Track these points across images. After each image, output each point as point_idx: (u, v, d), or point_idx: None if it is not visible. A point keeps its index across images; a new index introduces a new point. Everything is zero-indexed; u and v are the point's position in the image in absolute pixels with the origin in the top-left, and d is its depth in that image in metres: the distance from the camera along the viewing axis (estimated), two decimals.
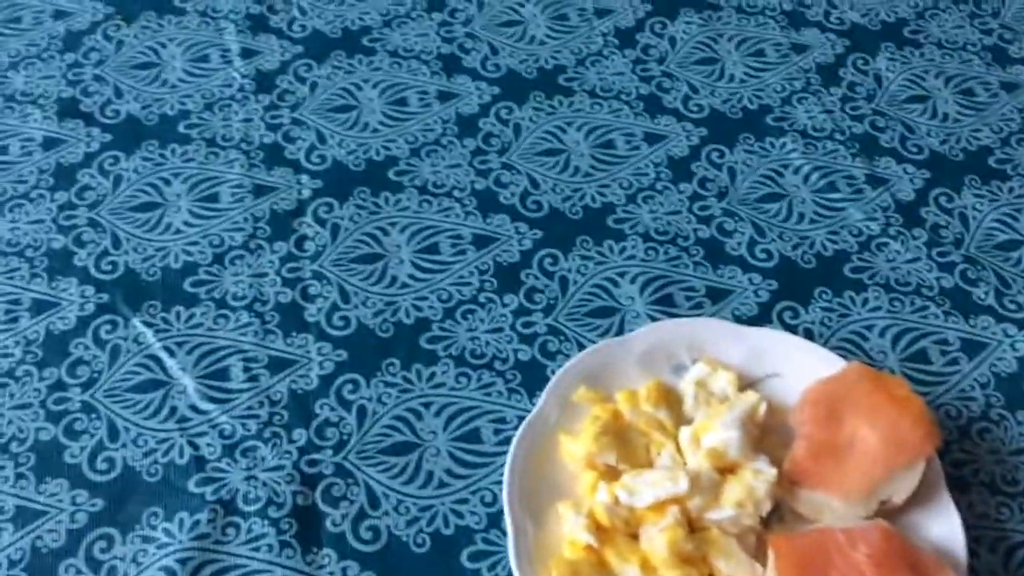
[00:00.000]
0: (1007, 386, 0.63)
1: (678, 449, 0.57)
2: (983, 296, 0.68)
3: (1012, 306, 0.67)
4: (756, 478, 0.54)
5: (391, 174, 0.74)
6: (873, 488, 0.54)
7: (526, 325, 0.66)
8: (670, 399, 0.59)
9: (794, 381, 0.59)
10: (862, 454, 0.55)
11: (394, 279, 0.68)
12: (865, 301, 0.67)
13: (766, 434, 0.58)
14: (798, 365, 0.60)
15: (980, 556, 0.56)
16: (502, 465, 0.58)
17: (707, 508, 0.54)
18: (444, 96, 0.79)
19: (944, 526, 0.54)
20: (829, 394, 0.57)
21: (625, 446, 0.57)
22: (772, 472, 0.55)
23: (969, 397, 0.63)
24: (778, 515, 0.56)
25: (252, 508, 0.57)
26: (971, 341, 0.65)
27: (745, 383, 0.60)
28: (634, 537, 0.54)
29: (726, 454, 0.55)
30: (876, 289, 0.68)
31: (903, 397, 0.56)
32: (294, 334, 0.64)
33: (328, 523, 0.56)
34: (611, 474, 0.56)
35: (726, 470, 0.55)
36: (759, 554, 0.54)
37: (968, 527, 0.55)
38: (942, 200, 0.73)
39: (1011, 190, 0.74)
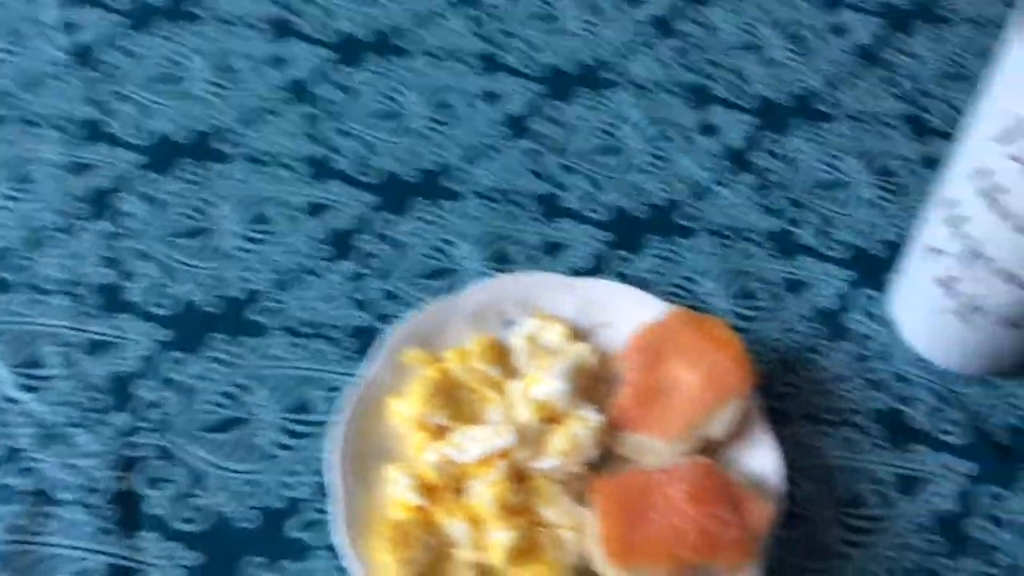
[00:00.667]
0: (828, 319, 0.65)
1: (508, 405, 0.57)
2: (806, 237, 0.69)
3: (833, 244, 0.69)
4: (581, 426, 0.55)
5: (218, 144, 0.72)
6: (692, 427, 0.55)
7: (361, 291, 0.65)
8: (501, 355, 0.59)
9: (625, 329, 0.60)
10: (682, 396, 0.56)
11: (221, 251, 0.66)
12: (695, 247, 0.68)
13: (598, 383, 0.59)
14: (629, 313, 0.61)
15: (802, 485, 0.58)
16: None
17: (532, 458, 0.54)
18: (276, 62, 0.77)
19: (764, 458, 0.56)
20: (653, 340, 0.58)
21: (455, 405, 0.56)
22: (597, 419, 0.55)
23: (793, 330, 0.65)
24: (609, 462, 0.57)
25: (69, 496, 0.55)
26: (794, 280, 0.67)
27: (577, 335, 0.61)
28: (457, 492, 0.54)
29: (553, 405, 0.56)
30: (704, 234, 0.69)
31: (723, 339, 0.58)
32: (114, 315, 0.62)
33: (149, 506, 0.55)
34: (441, 434, 0.56)
35: (554, 420, 0.56)
36: (589, 500, 0.55)
37: (789, 458, 0.57)
38: (770, 145, 0.75)
39: (835, 132, 0.76)
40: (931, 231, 0.59)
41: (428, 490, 0.53)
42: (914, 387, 0.62)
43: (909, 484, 0.58)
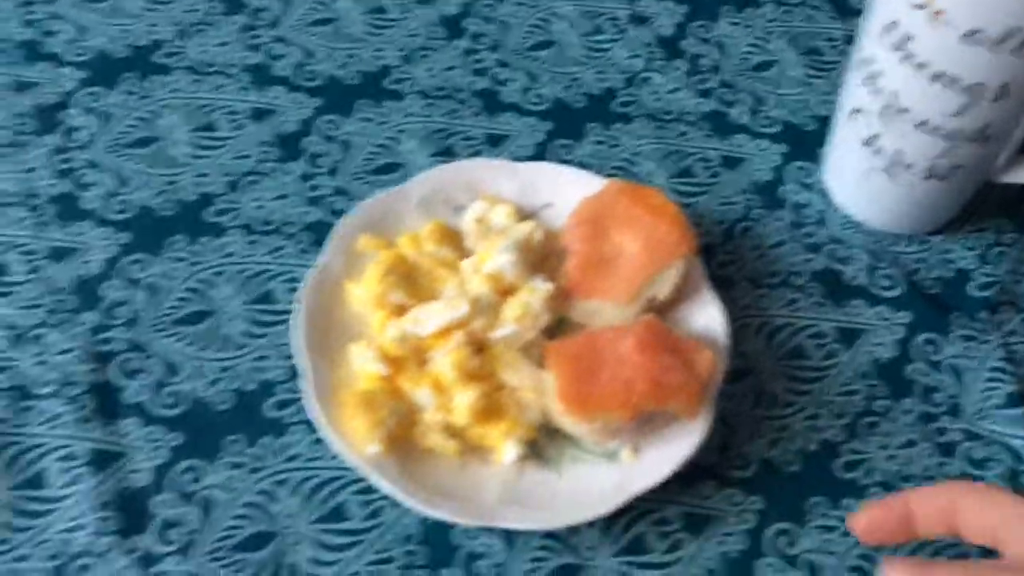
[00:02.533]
0: (764, 191, 0.69)
1: (462, 282, 0.60)
2: (739, 116, 0.72)
3: (765, 122, 0.72)
4: (532, 295, 0.58)
5: (158, 58, 0.72)
6: (638, 289, 0.58)
7: (312, 188, 0.66)
8: (452, 238, 0.62)
9: (567, 209, 0.63)
10: (626, 261, 0.59)
11: (172, 159, 0.67)
12: (633, 132, 0.71)
13: (546, 258, 0.62)
14: (570, 193, 0.64)
15: (746, 343, 0.61)
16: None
17: (489, 328, 0.57)
18: None
19: (707, 316, 0.60)
20: (594, 212, 0.61)
21: (411, 285, 0.59)
22: (547, 287, 0.58)
23: (731, 202, 0.68)
24: (563, 328, 0.60)
25: (46, 391, 0.57)
26: (729, 156, 0.70)
27: (522, 215, 0.63)
28: (419, 364, 0.56)
29: (503, 277, 0.58)
30: (642, 119, 0.72)
31: (659, 206, 0.61)
32: (72, 222, 0.63)
33: (126, 395, 0.57)
34: (400, 312, 0.58)
35: (506, 292, 0.59)
36: (545, 365, 0.58)
37: (733, 318, 0.60)
38: (700, 32, 0.77)
39: (763, 15, 0.78)
40: (852, 93, 0.62)
41: (392, 362, 0.56)
42: (849, 248, 0.66)
43: (848, 335, 0.62)
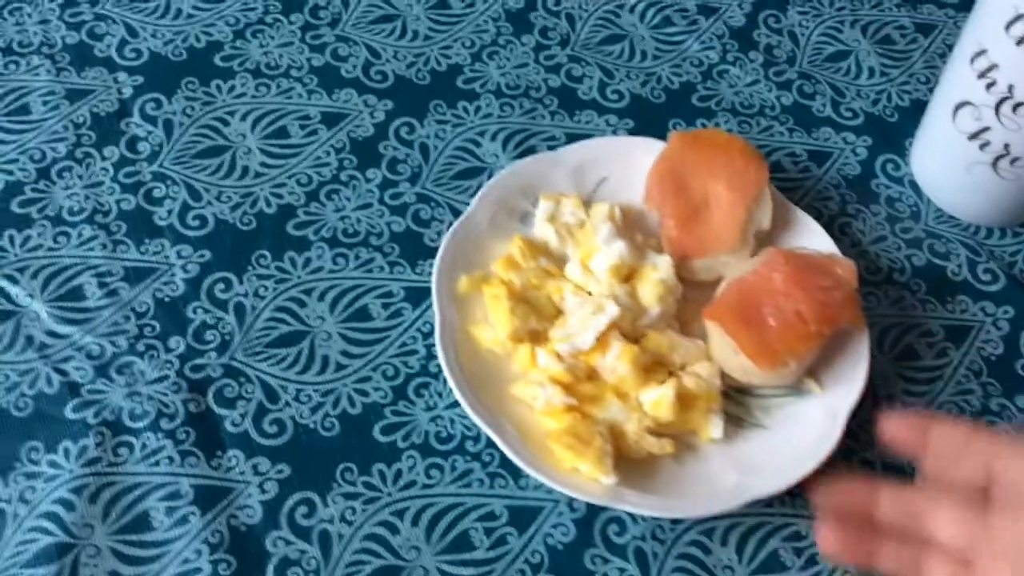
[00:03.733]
0: (855, 185, 0.67)
1: (576, 286, 0.57)
2: (821, 108, 0.70)
3: (848, 114, 0.70)
4: (659, 271, 0.56)
5: (217, 60, 0.68)
6: (743, 228, 0.58)
7: (394, 197, 0.63)
8: (538, 247, 0.59)
9: (621, 175, 0.62)
10: (719, 207, 0.59)
11: (245, 169, 0.64)
12: (717, 126, 0.69)
13: (632, 231, 0.60)
14: (618, 161, 0.62)
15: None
16: (397, 338, 0.57)
17: (638, 318, 0.55)
18: None
19: (808, 232, 0.60)
20: (667, 170, 0.60)
21: (535, 307, 0.56)
22: (666, 258, 0.57)
23: (826, 197, 0.66)
24: (690, 292, 0.58)
25: (141, 424, 0.53)
26: (816, 152, 0.68)
27: (584, 200, 0.61)
28: (590, 379, 0.54)
29: (624, 264, 0.56)
30: (724, 114, 0.69)
31: (725, 142, 0.61)
32: (147, 241, 0.60)
33: (228, 424, 0.54)
34: (539, 339, 0.55)
35: (627, 278, 0.57)
36: (686, 334, 0.57)
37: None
38: (771, 21, 0.75)
39: (832, 3, 0.76)
40: (960, 86, 0.60)
41: (567, 388, 0.53)
42: (947, 243, 0.64)
43: (957, 333, 0.61)
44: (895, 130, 0.69)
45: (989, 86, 0.58)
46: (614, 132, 0.68)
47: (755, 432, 0.55)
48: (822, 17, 0.76)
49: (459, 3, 0.73)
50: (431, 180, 0.64)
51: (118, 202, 0.61)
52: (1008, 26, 0.55)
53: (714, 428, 0.54)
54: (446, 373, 0.53)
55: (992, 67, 0.57)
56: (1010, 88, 0.57)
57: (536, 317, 0.55)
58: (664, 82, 0.71)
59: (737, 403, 0.56)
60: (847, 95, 0.71)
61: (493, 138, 0.66)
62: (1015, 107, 0.57)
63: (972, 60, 0.59)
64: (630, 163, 0.62)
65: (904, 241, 0.64)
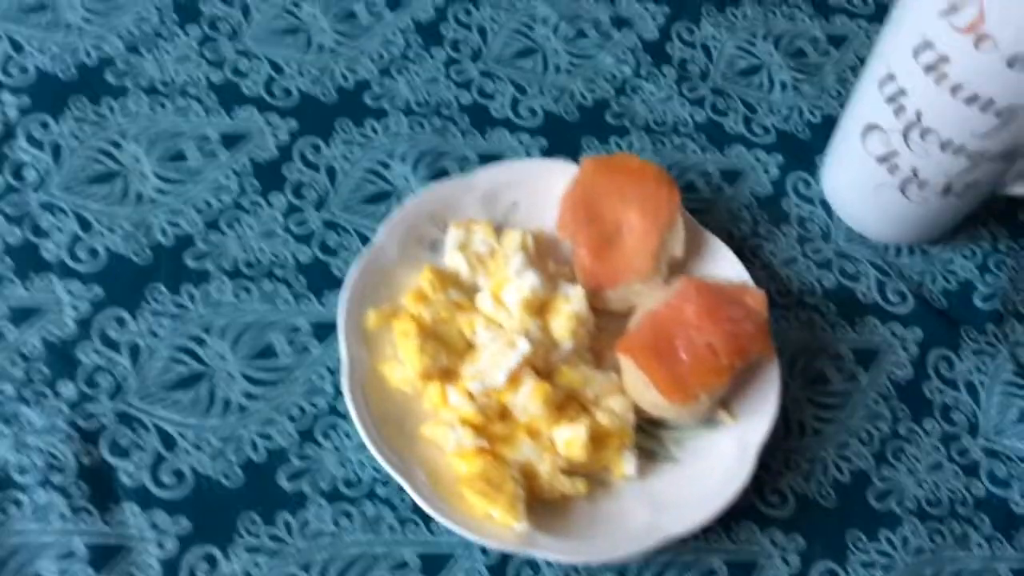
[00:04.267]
0: (767, 205, 0.67)
1: (487, 319, 0.56)
2: (733, 125, 0.70)
3: (759, 130, 0.70)
4: (570, 303, 0.56)
5: (109, 77, 0.65)
6: (656, 256, 0.58)
7: (299, 224, 0.61)
8: (448, 277, 0.57)
9: (533, 200, 0.61)
10: (632, 235, 0.59)
11: (140, 196, 0.60)
12: (630, 145, 0.68)
13: (545, 259, 0.59)
14: (530, 185, 0.61)
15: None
16: (302, 376, 0.55)
17: (550, 352, 0.55)
18: None
19: (721, 259, 0.60)
20: (579, 197, 0.59)
21: (445, 343, 0.55)
22: (579, 289, 0.56)
23: (739, 218, 0.66)
24: (601, 321, 0.58)
25: (31, 479, 0.50)
26: (729, 171, 0.68)
27: (495, 226, 0.60)
28: (502, 418, 0.53)
29: (536, 297, 0.55)
30: (638, 132, 0.69)
31: (638, 167, 0.60)
32: (33, 276, 0.56)
33: (122, 476, 0.51)
34: (449, 376, 0.54)
35: (540, 310, 0.56)
36: (599, 365, 0.56)
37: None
38: (684, 34, 0.74)
39: (745, 16, 0.76)
40: (868, 109, 0.60)
41: (477, 429, 0.52)
42: (856, 263, 0.65)
43: (866, 356, 0.61)
44: (806, 147, 0.69)
45: (897, 111, 0.58)
46: (527, 152, 0.66)
47: (668, 466, 0.54)
48: (734, 30, 0.75)
49: (366, 14, 0.71)
50: (338, 205, 0.62)
51: (2, 235, 0.58)
52: (916, 53, 0.55)
53: (627, 465, 0.53)
54: (353, 416, 0.51)
55: (900, 92, 0.57)
56: (918, 115, 0.57)
57: (447, 353, 0.54)
58: (577, 98, 0.70)
59: (650, 436, 0.55)
60: (759, 111, 0.71)
61: (403, 159, 0.64)
62: (923, 133, 0.57)
63: (881, 85, 0.59)
64: (543, 187, 0.61)
65: (815, 262, 0.65)
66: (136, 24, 0.67)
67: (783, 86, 0.72)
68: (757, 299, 0.56)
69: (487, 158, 0.65)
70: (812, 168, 0.68)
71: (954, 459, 0.59)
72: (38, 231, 0.58)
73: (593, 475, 0.53)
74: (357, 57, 0.69)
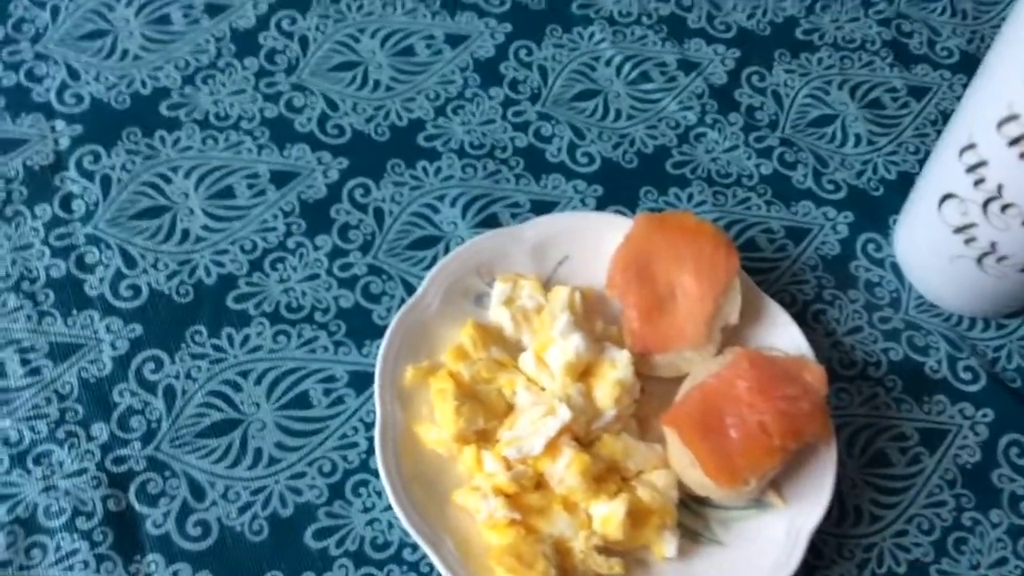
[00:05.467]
0: (834, 267, 0.63)
1: (528, 380, 0.54)
2: (801, 179, 0.67)
3: (830, 186, 0.67)
4: (616, 369, 0.53)
5: (163, 109, 0.64)
6: (710, 323, 0.55)
7: (344, 268, 0.60)
8: (492, 334, 0.56)
9: (584, 255, 0.59)
10: (685, 299, 0.56)
11: (186, 233, 0.60)
12: (690, 196, 0.65)
13: (592, 317, 0.57)
14: (582, 239, 0.59)
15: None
16: (337, 428, 0.54)
17: (592, 420, 0.52)
18: (212, 10, 0.69)
19: (780, 328, 0.57)
20: (632, 256, 0.57)
21: (483, 403, 0.53)
22: (625, 354, 0.54)
23: (801, 281, 0.62)
24: (648, 387, 0.55)
25: (57, 523, 0.50)
26: (794, 228, 0.65)
27: (542, 281, 0.58)
28: (538, 487, 0.51)
29: (580, 362, 0.53)
30: (699, 183, 0.66)
31: (695, 227, 0.57)
32: (75, 312, 0.56)
33: (148, 525, 0.50)
34: (485, 439, 0.52)
35: (584, 374, 0.54)
36: (643, 435, 0.54)
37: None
38: (755, 80, 0.71)
39: (820, 62, 0.72)
40: (946, 177, 0.57)
41: (511, 499, 0.50)
42: (927, 335, 0.61)
43: (932, 436, 0.58)
44: (879, 206, 0.66)
45: (977, 182, 0.54)
46: (582, 200, 0.64)
47: (712, 549, 0.52)
48: (809, 76, 0.72)
49: (425, 50, 0.69)
50: (384, 250, 0.61)
51: (47, 268, 0.57)
52: (1000, 125, 0.51)
53: (668, 545, 0.51)
54: (383, 479, 0.49)
55: (981, 163, 0.53)
56: (999, 188, 0.53)
57: (484, 415, 0.52)
58: (637, 144, 0.67)
59: (694, 514, 0.53)
60: (830, 165, 0.68)
61: (453, 203, 0.63)
62: (1004, 207, 0.53)
63: (961, 153, 0.55)
64: (594, 241, 0.59)
65: (882, 332, 0.61)
66: (193, 55, 0.67)
67: (857, 139, 0.69)
68: (816, 376, 0.53)
69: (539, 204, 0.63)
70: (885, 229, 0.65)
71: (1021, 556, 0.55)
72: (83, 265, 0.58)
73: (631, 554, 0.51)
74: (413, 95, 0.67)
